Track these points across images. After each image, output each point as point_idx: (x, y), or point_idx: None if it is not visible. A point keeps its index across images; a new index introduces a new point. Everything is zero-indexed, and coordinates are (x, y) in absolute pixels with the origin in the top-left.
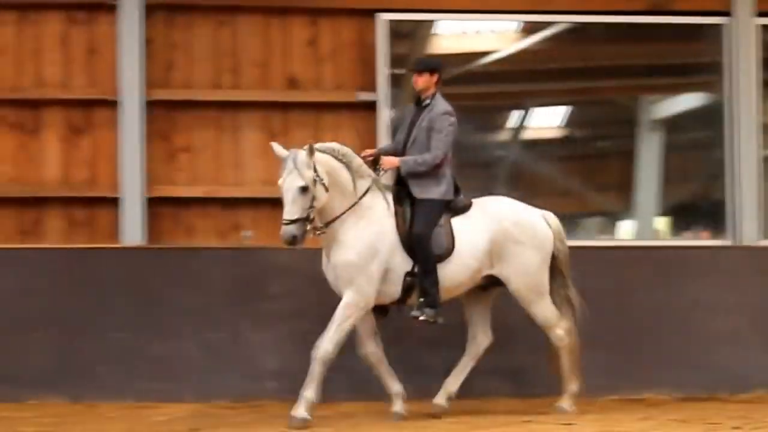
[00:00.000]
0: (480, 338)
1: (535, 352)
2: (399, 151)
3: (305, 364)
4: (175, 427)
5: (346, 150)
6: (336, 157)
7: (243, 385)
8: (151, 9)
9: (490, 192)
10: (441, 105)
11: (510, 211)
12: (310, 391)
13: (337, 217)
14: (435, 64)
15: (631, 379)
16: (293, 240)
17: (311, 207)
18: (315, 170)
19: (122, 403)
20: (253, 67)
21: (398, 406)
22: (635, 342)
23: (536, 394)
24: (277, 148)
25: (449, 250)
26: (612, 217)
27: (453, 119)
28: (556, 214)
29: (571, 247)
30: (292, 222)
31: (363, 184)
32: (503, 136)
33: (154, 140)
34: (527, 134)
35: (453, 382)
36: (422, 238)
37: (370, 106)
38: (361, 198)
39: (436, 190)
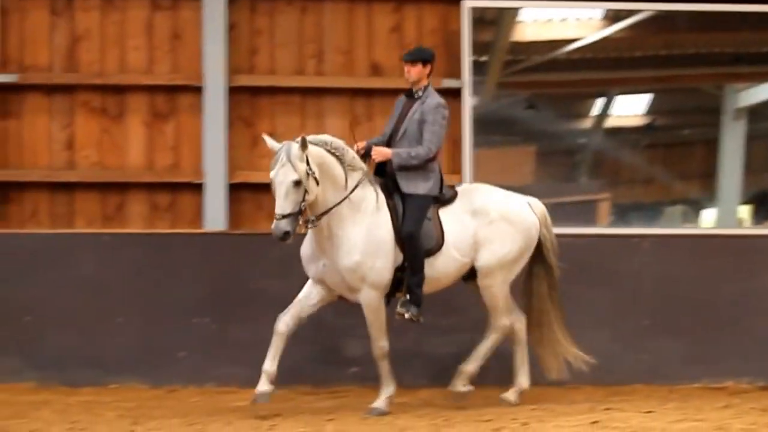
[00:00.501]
0: (516, 326)
1: (618, 339)
2: (386, 144)
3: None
4: (255, 411)
5: (339, 143)
6: (329, 150)
7: (324, 370)
8: None
9: (572, 180)
10: (434, 97)
11: (497, 202)
12: (388, 388)
13: (330, 210)
14: (428, 55)
15: (712, 368)
16: (285, 236)
17: (303, 201)
18: (307, 163)
19: (203, 388)
20: (337, 54)
21: (264, 385)
22: (717, 330)
23: (617, 382)
24: (269, 140)
25: (439, 244)
26: (695, 205)
27: (446, 112)
28: (638, 201)
29: (654, 236)
30: (285, 217)
31: (355, 177)
32: (586, 123)
33: (237, 126)
34: (610, 122)
35: (523, 378)
36: (412, 236)
37: (455, 93)
38: (352, 191)
39: (423, 186)
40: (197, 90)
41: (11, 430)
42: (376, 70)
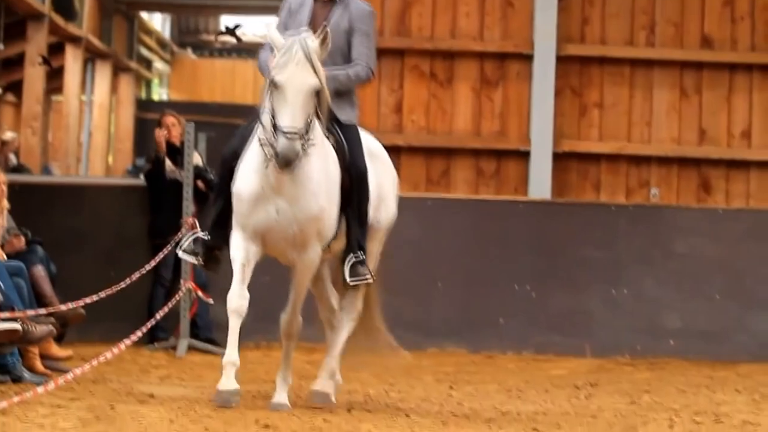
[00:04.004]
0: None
1: None
2: None
3: (709, 324)
4: (572, 380)
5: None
6: None
7: (643, 341)
8: None
9: None
10: (359, 2)
11: (382, 149)
12: (288, 379)
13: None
14: None
15: None
16: (296, 158)
17: (314, 116)
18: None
19: (521, 355)
20: (668, 25)
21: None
22: None
23: None
24: (273, 32)
25: None
26: None
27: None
28: None
29: None
30: (297, 134)
31: None
32: None
33: (564, 95)
34: None
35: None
36: (364, 176)
37: None
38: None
39: (352, 114)
40: (526, 58)
41: None
42: (706, 42)
